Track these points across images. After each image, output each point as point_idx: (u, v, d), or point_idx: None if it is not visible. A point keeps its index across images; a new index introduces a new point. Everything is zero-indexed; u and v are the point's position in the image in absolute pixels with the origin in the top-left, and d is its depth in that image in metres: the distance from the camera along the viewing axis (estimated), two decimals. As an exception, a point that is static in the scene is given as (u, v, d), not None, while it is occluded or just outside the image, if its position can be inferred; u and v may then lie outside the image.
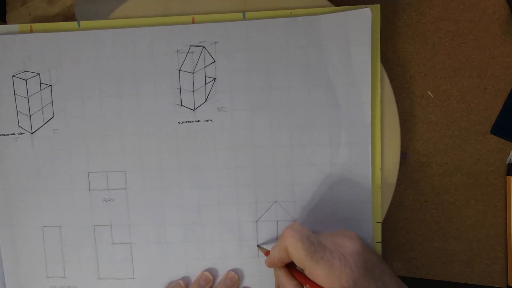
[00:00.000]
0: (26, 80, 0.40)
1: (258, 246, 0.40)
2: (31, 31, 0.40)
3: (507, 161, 0.45)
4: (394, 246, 0.46)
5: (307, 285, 0.32)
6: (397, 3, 0.45)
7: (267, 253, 0.38)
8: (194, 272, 0.41)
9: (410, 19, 0.45)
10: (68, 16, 0.47)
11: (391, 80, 0.41)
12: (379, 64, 0.39)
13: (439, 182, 0.46)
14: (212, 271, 0.41)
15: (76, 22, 0.40)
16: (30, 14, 0.47)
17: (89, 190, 0.41)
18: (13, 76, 0.40)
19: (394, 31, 0.45)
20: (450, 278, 0.46)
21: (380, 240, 0.40)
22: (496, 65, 0.44)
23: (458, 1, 0.45)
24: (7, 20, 0.48)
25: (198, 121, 0.40)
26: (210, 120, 0.40)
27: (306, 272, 0.31)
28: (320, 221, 0.40)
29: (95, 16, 0.45)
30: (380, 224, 0.40)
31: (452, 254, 0.46)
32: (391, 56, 0.45)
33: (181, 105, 0.40)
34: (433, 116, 0.45)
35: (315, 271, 0.30)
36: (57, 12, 0.47)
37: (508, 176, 0.44)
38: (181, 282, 0.40)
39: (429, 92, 0.45)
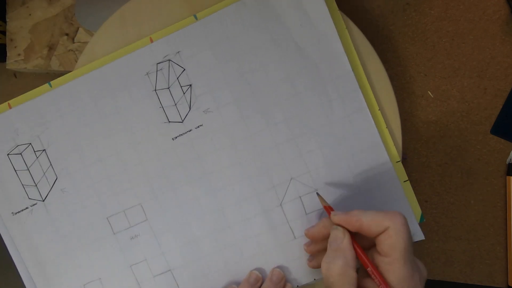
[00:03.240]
0: (21, 153, 0.41)
1: (318, 194, 0.39)
2: (10, 108, 0.41)
3: (507, 161, 0.45)
4: (394, 246, 0.46)
5: (369, 269, 0.31)
6: (397, 3, 0.45)
7: (328, 208, 0.36)
8: (238, 275, 0.40)
9: (410, 19, 0.45)
10: (68, 16, 0.47)
11: (391, 80, 0.41)
12: (338, 12, 0.39)
13: (439, 182, 0.46)
14: (259, 270, 0.40)
15: (47, 84, 0.41)
16: (30, 14, 0.47)
17: (114, 233, 0.41)
18: (8, 154, 0.41)
19: (394, 31, 0.45)
20: (450, 278, 0.46)
21: (406, 178, 0.39)
22: (496, 65, 0.44)
23: (458, 1, 0.45)
24: (7, 20, 0.48)
25: (190, 130, 0.40)
26: (200, 125, 0.40)
27: (381, 260, 0.31)
28: (339, 180, 0.40)
29: (95, 16, 0.45)
30: (400, 163, 0.39)
31: (452, 254, 0.46)
32: (391, 56, 0.45)
33: (169, 121, 0.40)
34: (433, 116, 0.45)
35: (397, 268, 0.30)
36: (57, 12, 0.47)
37: (508, 176, 0.44)
38: (234, 286, 0.40)
39: (429, 92, 0.45)
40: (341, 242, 0.32)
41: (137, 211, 0.41)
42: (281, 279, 0.39)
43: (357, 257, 0.32)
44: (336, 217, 0.33)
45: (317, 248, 0.37)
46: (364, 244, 0.33)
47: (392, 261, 0.30)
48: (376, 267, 0.31)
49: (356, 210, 0.33)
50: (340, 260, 0.31)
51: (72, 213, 0.41)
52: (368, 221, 0.31)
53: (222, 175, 0.40)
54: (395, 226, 0.30)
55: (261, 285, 0.39)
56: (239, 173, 0.40)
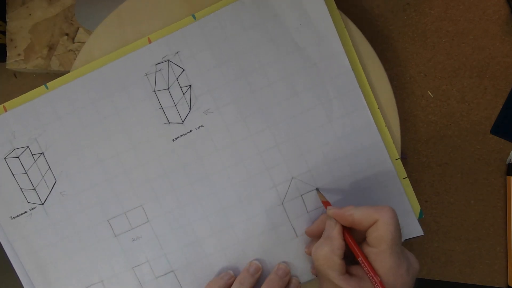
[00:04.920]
0: (18, 157, 0.40)
1: (317, 190, 0.40)
2: (5, 111, 0.40)
3: (507, 161, 0.45)
4: (394, 246, 0.46)
5: (359, 259, 0.32)
6: (397, 3, 0.45)
7: (326, 203, 0.37)
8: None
9: (410, 19, 0.45)
10: (68, 16, 0.47)
11: (391, 80, 0.41)
12: (337, 11, 0.39)
13: (439, 182, 0.46)
14: (260, 261, 0.41)
15: (43, 86, 0.40)
16: (30, 14, 0.47)
17: (115, 236, 0.41)
18: (5, 158, 0.40)
19: (394, 31, 0.45)
20: (450, 278, 0.46)
21: (406, 176, 0.40)
22: (496, 65, 0.44)
23: (458, 1, 0.45)
24: (7, 20, 0.48)
25: (190, 131, 0.40)
26: (201, 126, 0.40)
27: (370, 250, 0.32)
28: (340, 178, 0.40)
29: (95, 16, 0.45)
30: (399, 161, 0.40)
31: (452, 254, 0.46)
32: (391, 56, 0.45)
33: (169, 122, 0.40)
34: (433, 116, 0.45)
35: (384, 258, 0.31)
36: (57, 12, 0.47)
37: (508, 176, 0.44)
38: (230, 272, 0.40)
39: (429, 92, 0.45)
40: (331, 232, 0.34)
41: (138, 212, 0.41)
42: (286, 273, 0.40)
43: (349, 247, 0.34)
44: (331, 211, 0.35)
45: None
46: (358, 238, 0.34)
47: (380, 251, 0.31)
48: (366, 257, 0.32)
49: (350, 206, 0.34)
50: (326, 247, 0.33)
51: (72, 216, 0.41)
52: (359, 216, 0.33)
53: (223, 175, 0.40)
54: (384, 219, 0.32)
55: (260, 275, 0.40)
56: (240, 173, 0.40)
